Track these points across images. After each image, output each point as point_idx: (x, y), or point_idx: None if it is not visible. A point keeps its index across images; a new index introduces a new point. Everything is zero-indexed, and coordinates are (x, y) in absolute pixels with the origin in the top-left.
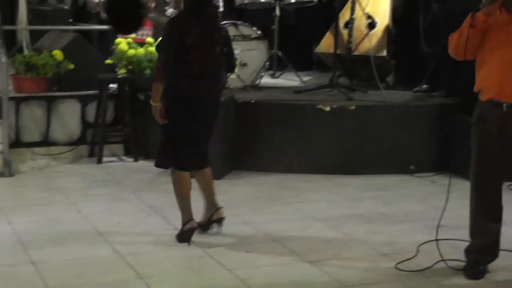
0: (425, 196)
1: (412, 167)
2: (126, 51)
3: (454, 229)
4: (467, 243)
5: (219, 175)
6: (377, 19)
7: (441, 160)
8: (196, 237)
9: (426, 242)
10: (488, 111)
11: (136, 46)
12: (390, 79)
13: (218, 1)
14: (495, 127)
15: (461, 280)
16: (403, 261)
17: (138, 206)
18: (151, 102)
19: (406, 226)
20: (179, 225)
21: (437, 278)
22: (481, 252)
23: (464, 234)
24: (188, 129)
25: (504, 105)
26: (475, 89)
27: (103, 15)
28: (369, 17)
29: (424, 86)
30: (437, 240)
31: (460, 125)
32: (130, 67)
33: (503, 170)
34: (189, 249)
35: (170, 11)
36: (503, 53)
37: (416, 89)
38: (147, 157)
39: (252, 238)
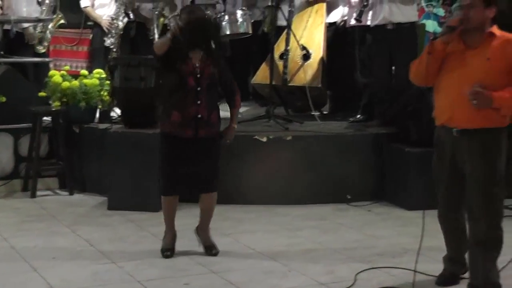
0: (362, 225)
1: (349, 196)
2: (60, 83)
3: (390, 256)
4: (404, 271)
5: (157, 207)
6: (311, 50)
7: (377, 189)
8: (132, 269)
9: (363, 271)
10: (442, 136)
11: (70, 78)
12: (325, 109)
13: (156, 33)
14: (448, 150)
15: None
16: None
17: (74, 240)
18: None
19: (344, 255)
20: (116, 259)
21: None
22: (451, 261)
23: (401, 261)
24: None
25: (454, 130)
26: (433, 114)
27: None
28: (303, 48)
29: (359, 116)
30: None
31: (395, 154)
32: (64, 100)
33: (461, 187)
34: (127, 282)
35: (108, 42)
36: (455, 80)
37: (351, 119)
38: (82, 190)
39: (190, 269)
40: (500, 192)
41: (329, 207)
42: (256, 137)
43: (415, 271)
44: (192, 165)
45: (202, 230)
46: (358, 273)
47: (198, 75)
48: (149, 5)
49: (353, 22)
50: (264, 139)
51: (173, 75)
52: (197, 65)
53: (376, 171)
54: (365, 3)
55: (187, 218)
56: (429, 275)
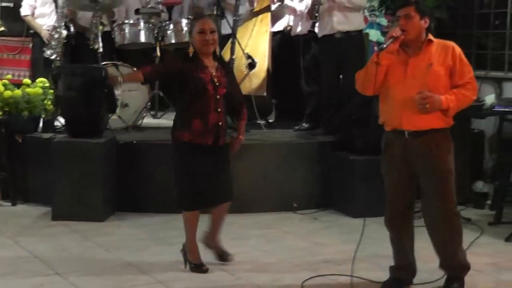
0: (308, 233)
1: (295, 205)
2: (2, 92)
3: (336, 264)
4: (350, 278)
5: (101, 217)
6: (256, 59)
7: (323, 197)
8: (77, 280)
9: (310, 278)
10: (393, 139)
11: (12, 87)
12: (271, 118)
13: (99, 42)
14: (400, 153)
15: None
16: None
17: (17, 251)
18: None
19: (290, 263)
20: (61, 270)
21: None
22: (399, 269)
23: (346, 269)
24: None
25: (406, 132)
26: (380, 121)
27: None
28: (249, 57)
29: (305, 124)
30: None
31: (340, 162)
32: (6, 109)
33: (411, 190)
34: None
35: (48, 52)
36: (401, 87)
37: (297, 127)
38: (25, 201)
39: (137, 279)
40: (453, 183)
41: (275, 215)
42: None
43: (360, 277)
44: (214, 174)
45: (213, 240)
46: (304, 281)
47: (217, 84)
48: (87, 15)
49: (298, 30)
50: None
51: (193, 83)
52: (214, 73)
53: (321, 179)
54: (316, 14)
55: (130, 228)
56: (374, 281)
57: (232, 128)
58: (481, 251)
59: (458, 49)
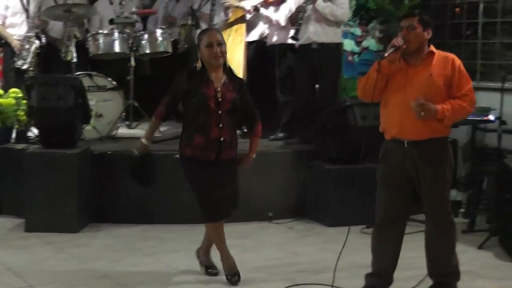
0: (284, 242)
1: (270, 214)
2: None
3: (312, 273)
4: (325, 287)
5: (76, 228)
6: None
7: (298, 206)
8: None
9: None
10: (392, 148)
11: None
12: (245, 127)
13: (73, 52)
14: (399, 161)
15: None
16: None
17: None
18: None
19: (266, 273)
20: (35, 283)
21: None
22: (376, 276)
23: (322, 278)
24: None
25: (405, 141)
26: (380, 129)
27: None
28: None
29: (280, 134)
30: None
31: (315, 171)
32: None
33: (406, 198)
34: None
35: (19, 63)
36: (401, 96)
37: (272, 137)
38: None
39: None
40: (449, 192)
41: (251, 225)
42: (177, 156)
43: (333, 286)
44: (220, 185)
45: (206, 252)
46: None
47: (220, 99)
48: (58, 25)
49: (274, 39)
50: None
51: (196, 98)
52: (218, 89)
53: (297, 188)
54: (301, 21)
55: (105, 239)
56: None
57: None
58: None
59: (458, 61)
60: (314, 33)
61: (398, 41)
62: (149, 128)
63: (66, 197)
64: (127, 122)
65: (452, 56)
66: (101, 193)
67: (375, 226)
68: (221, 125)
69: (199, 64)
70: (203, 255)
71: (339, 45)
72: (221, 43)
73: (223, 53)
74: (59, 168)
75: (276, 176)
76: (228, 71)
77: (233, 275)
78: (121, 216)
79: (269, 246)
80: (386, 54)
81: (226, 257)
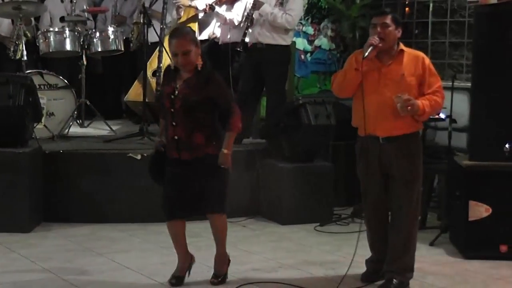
0: (237, 241)
1: None
2: None
3: (266, 272)
4: (279, 285)
5: (27, 228)
6: None
7: (251, 204)
8: None
9: (239, 286)
10: (368, 144)
11: None
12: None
13: (23, 51)
14: (375, 157)
15: None
16: None
17: None
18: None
19: None
20: None
21: None
22: (375, 261)
23: (275, 276)
24: None
25: (380, 138)
26: (353, 124)
27: None
28: None
29: None
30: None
31: (268, 170)
32: None
33: (386, 194)
34: None
35: None
36: (376, 94)
37: None
38: None
39: None
40: (420, 184)
41: (204, 224)
42: (130, 154)
43: (290, 284)
44: (186, 186)
45: (215, 256)
46: (240, 287)
47: (172, 96)
48: (5, 23)
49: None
50: (138, 157)
51: (161, 97)
52: (177, 86)
53: (250, 186)
54: (249, 24)
55: (57, 239)
56: (303, 287)
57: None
58: None
59: (427, 60)
60: (260, 34)
61: (374, 39)
62: (160, 132)
63: (16, 196)
64: (78, 121)
65: (421, 55)
66: (53, 193)
67: (367, 221)
68: (174, 123)
69: (172, 63)
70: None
71: (288, 47)
72: (187, 53)
73: (189, 63)
74: (10, 167)
75: (229, 175)
76: (197, 71)
77: (172, 278)
78: (73, 215)
79: None
80: (366, 54)
81: (179, 256)
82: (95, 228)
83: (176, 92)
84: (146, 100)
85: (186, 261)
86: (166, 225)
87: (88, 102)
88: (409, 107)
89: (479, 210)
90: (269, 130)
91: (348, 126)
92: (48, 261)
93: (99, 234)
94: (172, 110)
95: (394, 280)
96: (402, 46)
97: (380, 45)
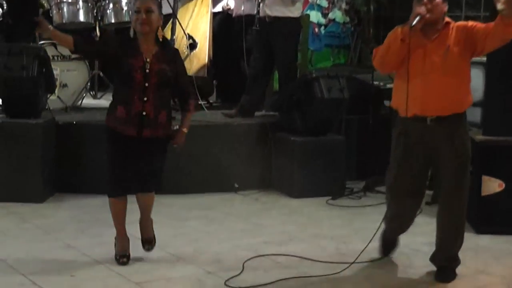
0: (249, 214)
1: (236, 185)
2: None
3: (277, 245)
4: (290, 258)
5: (40, 199)
6: (197, 40)
7: (264, 177)
8: (16, 262)
9: (250, 259)
10: (412, 126)
11: None
12: (211, 99)
13: None
14: (418, 140)
15: None
16: (230, 278)
17: None
18: None
19: (231, 244)
20: None
21: None
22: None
23: (285, 249)
24: None
25: (428, 119)
26: (394, 105)
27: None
28: (189, 37)
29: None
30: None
31: (280, 143)
32: None
33: (422, 180)
34: (10, 276)
35: None
36: (421, 72)
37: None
38: None
39: (77, 261)
40: (469, 173)
41: (216, 196)
42: None
43: (301, 257)
44: (133, 164)
45: (141, 224)
46: (245, 261)
47: (147, 70)
48: None
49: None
50: None
51: (122, 68)
52: (147, 60)
53: (262, 160)
54: None
55: (70, 209)
56: (314, 260)
57: (172, 108)
58: (418, 230)
59: (465, 22)
60: (268, 6)
61: (421, 9)
62: (62, 34)
63: (30, 167)
64: (92, 92)
65: (460, 22)
66: (66, 164)
67: (395, 204)
68: (145, 99)
69: (131, 33)
70: (141, 226)
71: (297, 19)
72: (151, 11)
73: (150, 22)
74: (24, 138)
75: (242, 148)
76: (162, 43)
77: (122, 257)
78: (86, 186)
79: (234, 218)
80: (413, 23)
81: (119, 235)
82: (106, 201)
83: (148, 65)
84: None
85: (127, 238)
86: (110, 201)
87: (101, 74)
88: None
89: (492, 185)
90: (281, 103)
91: (361, 100)
92: (60, 231)
93: None
94: (146, 84)
95: (448, 269)
96: (447, 19)
97: (428, 15)
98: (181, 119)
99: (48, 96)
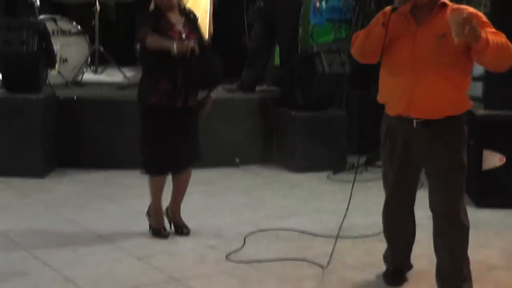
0: (250, 188)
1: (237, 160)
2: None
3: (278, 219)
4: (290, 232)
5: (41, 174)
6: (198, 14)
7: (265, 152)
8: (18, 236)
9: (252, 233)
10: (397, 127)
11: None
12: None
13: None
14: (404, 143)
15: (289, 268)
16: (232, 252)
17: None
18: None
19: (231, 218)
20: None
21: (265, 267)
22: (390, 259)
23: (286, 223)
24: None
25: (414, 121)
26: (380, 100)
27: None
28: (190, 12)
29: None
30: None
31: (282, 118)
32: None
33: (415, 182)
34: (12, 251)
35: None
36: (409, 65)
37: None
38: None
39: (78, 236)
40: (464, 178)
41: (218, 171)
42: None
43: (303, 231)
44: (181, 140)
45: (174, 210)
46: (247, 235)
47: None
48: None
49: None
50: None
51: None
52: (181, 30)
53: (264, 134)
54: None
55: (71, 184)
56: (315, 234)
57: None
58: (420, 204)
59: (473, 10)
60: None
61: None
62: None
63: (31, 142)
64: (92, 67)
65: (465, 7)
66: (67, 139)
67: (384, 208)
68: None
69: (152, 7)
70: (171, 212)
71: None
72: None
73: None
74: (24, 113)
75: (243, 123)
76: (185, 13)
77: (164, 230)
78: (87, 161)
79: (236, 192)
80: (397, 5)
81: (158, 212)
82: (109, 175)
83: (183, 36)
84: None
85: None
86: (151, 179)
87: (101, 49)
88: (467, 26)
89: (493, 159)
90: (282, 78)
91: (362, 75)
92: (62, 206)
93: (113, 180)
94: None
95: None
96: (444, 0)
97: None
98: None
99: (49, 71)
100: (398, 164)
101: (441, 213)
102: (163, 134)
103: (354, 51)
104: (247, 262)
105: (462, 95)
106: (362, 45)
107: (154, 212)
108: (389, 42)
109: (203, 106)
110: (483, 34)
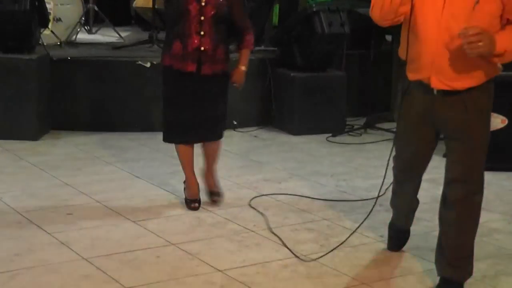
0: (248, 151)
1: (235, 122)
2: None
3: (276, 182)
4: (288, 196)
5: (35, 136)
6: None
7: (263, 114)
8: (12, 200)
9: (254, 198)
10: (416, 92)
11: None
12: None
13: None
14: (423, 113)
15: (288, 232)
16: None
17: None
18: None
19: (230, 182)
20: None
21: (264, 231)
22: (394, 228)
23: (285, 187)
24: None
25: (435, 90)
26: (401, 55)
27: None
28: None
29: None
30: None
31: (280, 79)
32: None
33: (430, 152)
34: (6, 214)
35: None
36: (435, 28)
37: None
38: None
39: (73, 199)
40: (486, 150)
41: None
42: (139, 62)
43: (302, 196)
44: (196, 106)
45: (206, 175)
46: (251, 199)
47: (203, 3)
48: None
49: None
50: (148, 65)
51: (176, 2)
52: None
53: (262, 96)
54: None
55: (66, 147)
56: (314, 198)
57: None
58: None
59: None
60: None
61: None
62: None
63: (24, 104)
64: (86, 27)
65: None
66: (61, 100)
67: (396, 184)
68: (202, 33)
69: None
70: (204, 178)
71: None
72: None
73: None
74: (17, 74)
75: None
76: None
77: (193, 202)
78: (81, 123)
79: (233, 155)
80: None
81: (189, 182)
82: (104, 137)
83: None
84: (156, 7)
85: (197, 183)
86: (176, 147)
87: (96, 8)
88: (480, 43)
89: (495, 121)
90: (281, 38)
91: (362, 35)
92: (56, 169)
93: (108, 143)
94: (202, 18)
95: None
96: None
97: None
98: (239, 56)
99: (42, 30)
100: (413, 133)
101: (458, 176)
102: (178, 101)
103: (373, 14)
104: (245, 227)
105: (491, 64)
106: (381, 8)
107: (186, 183)
108: (415, 5)
109: (231, 77)
110: (497, 41)
